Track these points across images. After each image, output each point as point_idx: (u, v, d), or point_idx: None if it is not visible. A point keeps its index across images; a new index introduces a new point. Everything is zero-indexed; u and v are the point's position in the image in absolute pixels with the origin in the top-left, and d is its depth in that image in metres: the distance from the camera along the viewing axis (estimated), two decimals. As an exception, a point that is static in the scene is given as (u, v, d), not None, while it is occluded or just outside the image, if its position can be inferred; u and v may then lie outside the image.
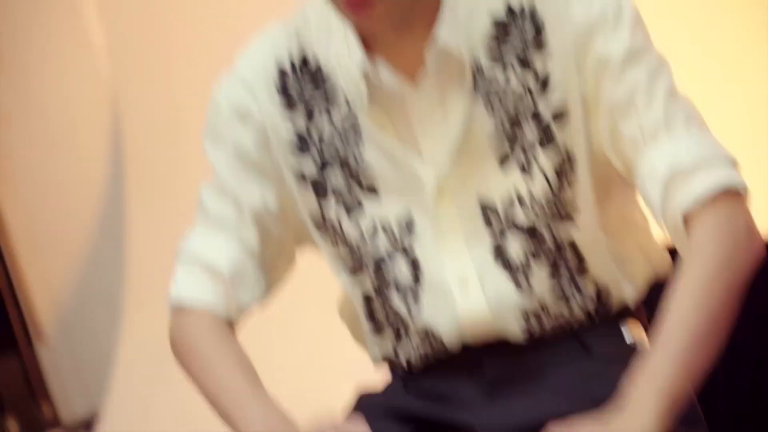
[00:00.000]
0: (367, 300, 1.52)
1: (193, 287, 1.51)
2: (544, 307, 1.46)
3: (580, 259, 1.46)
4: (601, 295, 1.48)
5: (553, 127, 1.42)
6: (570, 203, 1.44)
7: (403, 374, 1.53)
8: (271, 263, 1.55)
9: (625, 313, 1.50)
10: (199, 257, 1.52)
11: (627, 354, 1.41)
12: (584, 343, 1.47)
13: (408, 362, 1.51)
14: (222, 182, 1.51)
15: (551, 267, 1.45)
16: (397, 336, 1.51)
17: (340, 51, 1.44)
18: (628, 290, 1.49)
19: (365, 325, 1.54)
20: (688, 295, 1.28)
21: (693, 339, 1.25)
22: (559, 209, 1.44)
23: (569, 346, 1.48)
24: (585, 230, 1.45)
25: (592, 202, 1.46)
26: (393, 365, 1.55)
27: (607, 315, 1.49)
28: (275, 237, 1.54)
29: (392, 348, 1.52)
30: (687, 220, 1.34)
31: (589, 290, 1.47)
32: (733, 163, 1.37)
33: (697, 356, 1.25)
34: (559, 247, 1.45)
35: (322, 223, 1.50)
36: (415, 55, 1.41)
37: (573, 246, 1.46)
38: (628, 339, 1.49)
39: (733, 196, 1.34)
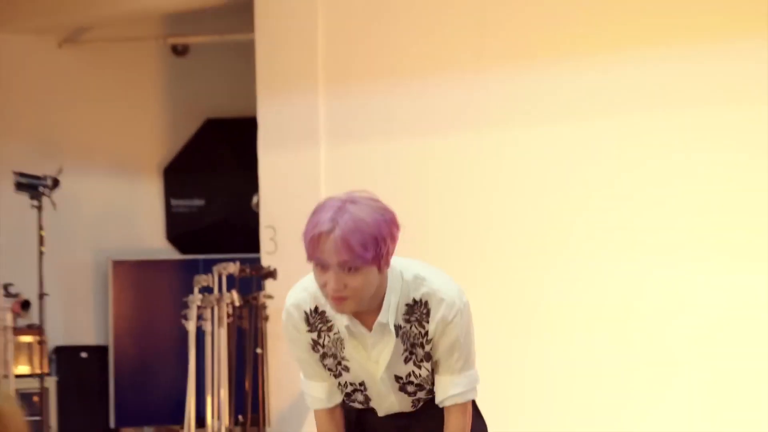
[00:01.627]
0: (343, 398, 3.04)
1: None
2: (420, 401, 3.00)
3: (430, 391, 2.97)
4: (433, 396, 2.98)
5: (430, 352, 2.90)
6: (429, 379, 2.95)
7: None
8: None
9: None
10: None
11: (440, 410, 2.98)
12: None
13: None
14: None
15: (424, 392, 2.98)
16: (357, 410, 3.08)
17: (336, 315, 2.86)
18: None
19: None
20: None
21: None
22: (427, 380, 2.95)
23: (427, 407, 3.02)
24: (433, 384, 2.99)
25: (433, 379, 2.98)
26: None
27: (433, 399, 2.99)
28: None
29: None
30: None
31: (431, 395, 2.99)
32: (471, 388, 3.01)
33: None
34: (426, 389, 2.97)
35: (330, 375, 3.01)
36: (371, 321, 2.84)
37: (430, 390, 2.97)
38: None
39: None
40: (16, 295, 6.72)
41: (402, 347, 2.92)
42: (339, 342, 2.90)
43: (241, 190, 7.25)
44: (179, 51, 7.98)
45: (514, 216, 5.40)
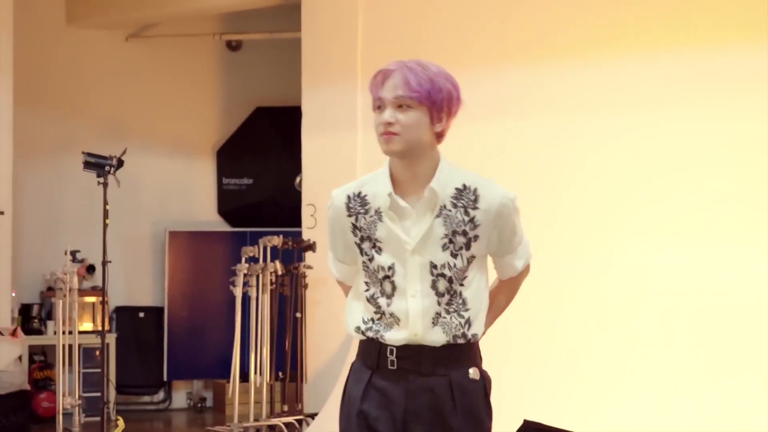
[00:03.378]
0: (367, 299, 2.66)
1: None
2: (441, 322, 2.61)
3: (464, 301, 2.63)
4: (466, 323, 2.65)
5: (471, 242, 2.61)
6: (461, 275, 2.62)
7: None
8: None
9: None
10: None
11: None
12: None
13: (376, 330, 2.64)
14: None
15: (451, 303, 2.62)
16: (378, 315, 2.64)
17: (380, 188, 2.60)
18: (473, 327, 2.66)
19: (366, 306, 2.65)
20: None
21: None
22: (459, 275, 2.62)
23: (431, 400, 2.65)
24: (468, 287, 2.65)
25: (471, 276, 2.65)
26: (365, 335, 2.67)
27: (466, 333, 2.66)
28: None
29: (371, 318, 2.65)
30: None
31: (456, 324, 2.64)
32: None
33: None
34: (454, 295, 2.62)
35: (364, 263, 2.65)
36: (414, 196, 2.58)
37: (461, 294, 2.64)
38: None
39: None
40: (81, 261, 6.72)
41: (442, 231, 2.61)
42: (373, 224, 2.61)
43: (285, 170, 7.24)
44: (233, 46, 7.97)
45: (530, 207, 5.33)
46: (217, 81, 8.06)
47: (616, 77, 5.04)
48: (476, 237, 2.62)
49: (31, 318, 7.20)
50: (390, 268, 2.62)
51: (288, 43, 7.13)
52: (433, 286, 2.62)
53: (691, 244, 4.79)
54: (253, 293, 6.01)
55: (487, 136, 5.45)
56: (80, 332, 6.35)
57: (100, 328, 6.07)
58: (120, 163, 5.74)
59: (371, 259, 2.62)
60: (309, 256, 6.16)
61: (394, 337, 2.63)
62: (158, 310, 7.73)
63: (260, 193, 7.85)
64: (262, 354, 6.06)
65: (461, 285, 2.65)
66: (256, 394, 6.04)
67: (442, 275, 2.62)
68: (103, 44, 7.75)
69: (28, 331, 6.93)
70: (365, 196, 2.62)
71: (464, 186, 2.63)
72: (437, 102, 2.57)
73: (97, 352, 6.79)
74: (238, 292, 5.97)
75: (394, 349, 2.63)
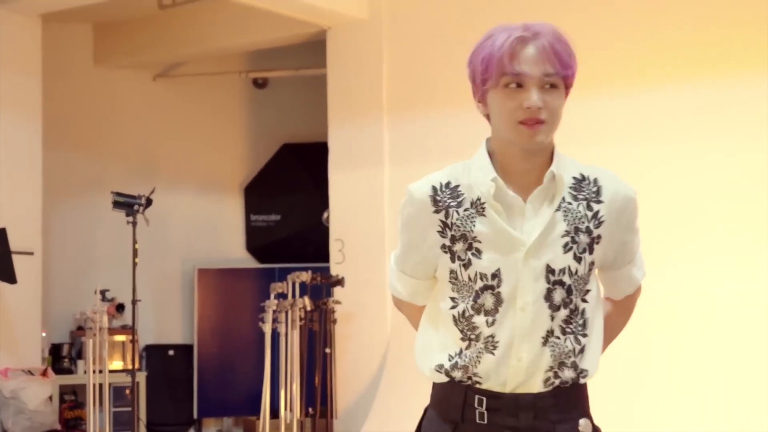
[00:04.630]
0: (455, 318, 2.12)
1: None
2: (554, 334, 2.10)
3: (584, 322, 2.14)
4: (582, 349, 2.13)
5: (594, 243, 2.12)
6: (582, 285, 2.12)
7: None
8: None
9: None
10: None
11: None
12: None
13: (464, 366, 2.10)
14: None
15: (571, 312, 2.11)
16: (468, 341, 2.09)
17: (478, 177, 2.10)
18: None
19: (451, 331, 2.12)
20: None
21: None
22: (581, 284, 2.11)
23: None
24: (590, 304, 2.14)
25: (592, 291, 2.16)
26: (447, 371, 2.13)
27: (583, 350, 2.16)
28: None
29: (459, 349, 2.11)
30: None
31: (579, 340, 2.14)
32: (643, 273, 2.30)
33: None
34: (573, 309, 2.12)
35: (452, 274, 2.12)
36: (525, 188, 2.09)
37: (584, 312, 2.14)
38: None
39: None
40: (111, 300, 6.74)
41: (564, 227, 2.09)
42: (470, 219, 2.08)
43: (313, 206, 7.25)
44: (259, 84, 8.02)
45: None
46: (243, 118, 8.10)
47: (652, 106, 5.06)
48: (599, 238, 2.13)
49: (61, 357, 7.21)
50: (495, 275, 2.07)
51: (313, 79, 7.17)
52: (548, 296, 2.08)
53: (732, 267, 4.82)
54: (282, 329, 6.00)
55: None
56: (110, 371, 6.36)
57: (130, 367, 6.08)
58: (149, 202, 5.77)
59: (466, 265, 2.08)
60: (337, 291, 6.16)
61: (489, 370, 2.07)
62: (188, 348, 7.73)
63: (288, 229, 7.86)
64: (292, 390, 6.04)
65: (583, 300, 2.13)
66: (286, 431, 6.03)
67: (560, 283, 2.08)
68: (131, 84, 7.81)
69: (59, 370, 6.95)
70: (457, 186, 2.11)
71: (582, 176, 2.15)
72: (573, 80, 2.11)
73: (128, 391, 6.79)
74: (267, 328, 5.97)
75: (484, 399, 2.08)
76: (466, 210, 2.09)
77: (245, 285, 7.70)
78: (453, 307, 2.11)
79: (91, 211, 7.49)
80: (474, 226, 2.08)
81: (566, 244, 2.09)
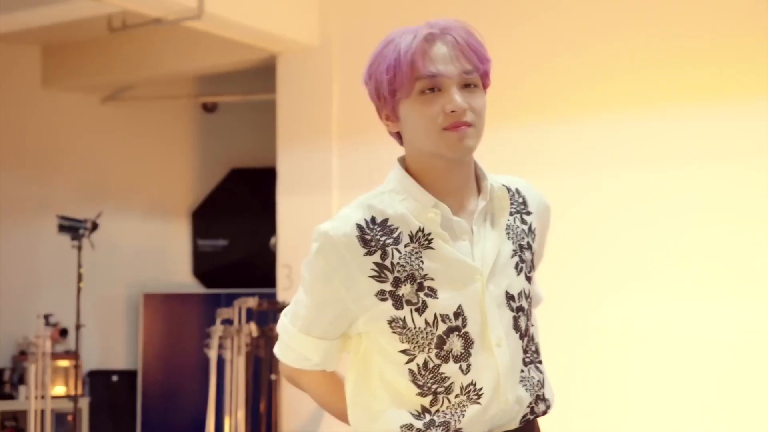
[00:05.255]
0: (413, 372, 1.80)
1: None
2: (528, 379, 1.89)
3: (536, 348, 1.95)
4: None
5: (533, 258, 1.93)
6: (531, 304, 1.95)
7: None
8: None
9: None
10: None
11: None
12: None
13: (444, 422, 1.80)
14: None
15: (528, 340, 1.91)
16: (432, 396, 1.80)
17: (408, 205, 1.82)
18: None
19: (404, 388, 1.81)
20: None
21: None
22: (530, 307, 1.93)
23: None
24: (535, 326, 1.98)
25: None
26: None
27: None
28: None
29: (423, 406, 1.81)
30: None
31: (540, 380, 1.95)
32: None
33: None
34: (530, 333, 1.94)
35: (395, 322, 1.81)
36: (464, 206, 1.85)
37: (533, 337, 1.95)
38: None
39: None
40: (55, 324, 6.66)
41: (510, 247, 1.86)
42: (414, 255, 1.78)
43: (260, 232, 7.23)
44: (209, 108, 8.00)
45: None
46: (192, 143, 8.07)
47: (605, 136, 5.11)
48: (534, 252, 1.95)
49: (2, 383, 7.10)
50: (457, 314, 1.79)
51: (263, 104, 7.17)
52: (515, 325, 1.86)
53: (679, 295, 4.87)
54: (228, 355, 5.97)
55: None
56: (53, 397, 6.28)
57: (73, 393, 6.00)
58: (95, 226, 5.73)
59: (420, 309, 1.78)
60: (284, 317, 6.13)
61: (476, 421, 1.80)
62: (132, 374, 7.65)
63: (235, 254, 7.83)
64: (237, 417, 6.00)
65: (532, 323, 1.93)
66: (230, 458, 5.99)
67: (521, 309, 1.87)
68: (79, 107, 7.75)
69: (0, 396, 6.85)
70: (386, 221, 1.81)
71: (506, 187, 1.92)
72: (489, 83, 1.87)
73: (70, 417, 6.70)
74: (212, 354, 5.93)
75: None
76: (406, 246, 1.79)
77: (191, 310, 7.65)
78: (410, 361, 1.80)
79: (36, 235, 7.41)
80: (422, 263, 1.79)
81: (517, 265, 1.88)
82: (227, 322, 6.02)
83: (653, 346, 4.90)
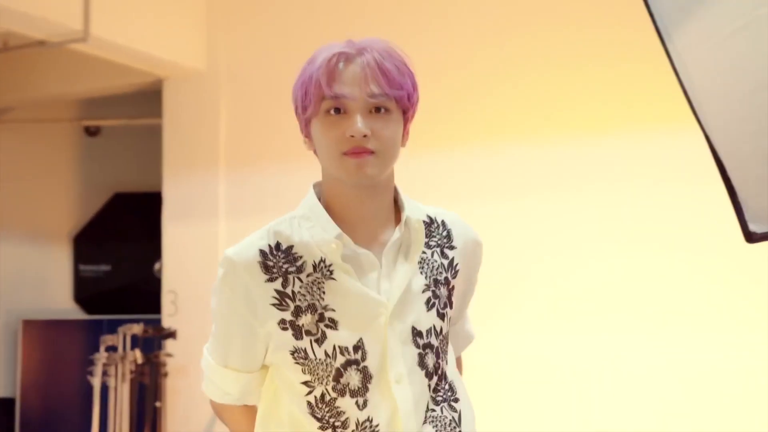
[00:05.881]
0: (311, 404, 1.78)
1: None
2: (429, 406, 1.82)
3: (450, 386, 1.87)
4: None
5: (451, 294, 1.87)
6: (444, 345, 1.87)
7: None
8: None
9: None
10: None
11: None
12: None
13: None
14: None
15: (439, 377, 1.84)
16: (334, 430, 1.76)
17: (314, 233, 1.77)
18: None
19: (306, 421, 1.78)
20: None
21: None
22: (443, 345, 1.86)
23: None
24: (449, 365, 1.90)
25: (449, 350, 1.92)
26: None
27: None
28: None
29: None
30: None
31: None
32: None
33: None
34: (443, 372, 1.86)
35: (297, 353, 1.78)
36: (368, 236, 1.79)
37: (446, 375, 1.88)
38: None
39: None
40: (-71, 351, 6.48)
41: (422, 281, 1.81)
42: (316, 285, 1.75)
43: (144, 257, 7.17)
44: (92, 132, 7.90)
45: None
46: (74, 166, 7.95)
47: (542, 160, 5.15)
48: (454, 289, 1.89)
49: None
50: (357, 347, 1.75)
51: (148, 129, 7.12)
52: (421, 363, 1.80)
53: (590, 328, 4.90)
54: (112, 383, 5.89)
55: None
56: (-73, 426, 6.09)
57: (-52, 422, 5.84)
58: (-28, 251, 5.60)
59: (319, 340, 1.75)
60: (169, 343, 6.09)
61: None
62: (9, 402, 7.47)
63: (118, 280, 7.73)
64: (121, 445, 5.92)
65: (445, 361, 1.87)
66: (113, 487, 5.89)
67: (430, 346, 1.81)
68: (-44, 128, 7.58)
69: None
70: (290, 248, 1.78)
71: (430, 219, 1.89)
72: (414, 103, 1.81)
73: (-56, 447, 6.51)
74: (96, 381, 5.84)
75: None
76: (309, 275, 1.76)
77: (72, 337, 7.51)
78: (309, 393, 1.77)
79: None
80: (323, 293, 1.76)
81: (428, 300, 1.81)
82: (111, 348, 5.94)
83: (580, 377, 4.92)
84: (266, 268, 1.78)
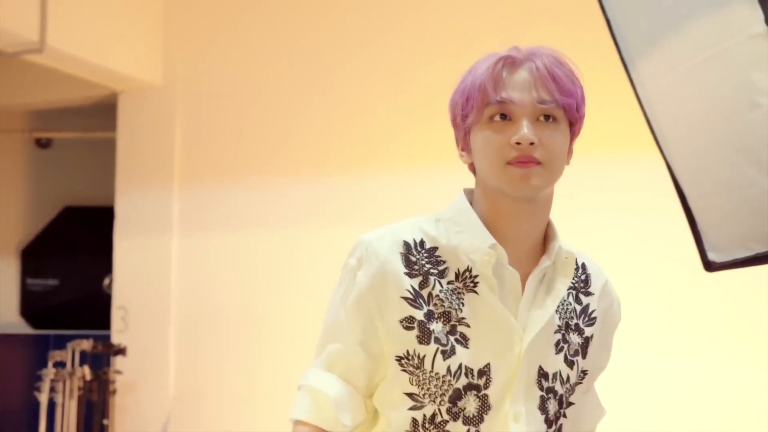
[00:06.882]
0: (417, 422, 1.59)
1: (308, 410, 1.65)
2: None
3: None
4: None
5: (588, 345, 1.71)
6: (569, 395, 1.69)
7: None
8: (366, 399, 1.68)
9: None
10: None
11: None
12: None
13: None
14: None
15: (557, 430, 1.66)
16: None
17: (464, 239, 1.61)
18: None
19: None
20: None
21: None
22: (569, 395, 1.68)
23: None
24: (572, 421, 1.71)
25: (578, 405, 1.73)
26: None
27: None
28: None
29: None
30: None
31: None
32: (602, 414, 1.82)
33: None
34: (559, 424, 1.68)
35: (409, 359, 1.59)
36: (519, 255, 1.62)
37: (561, 427, 1.69)
38: None
39: None
40: None
41: (557, 321, 1.66)
42: (455, 294, 1.59)
43: (94, 272, 7.09)
44: (43, 144, 7.82)
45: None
46: (24, 178, 7.85)
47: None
48: (591, 338, 1.72)
49: None
50: (483, 372, 1.57)
51: (101, 142, 7.05)
52: (542, 407, 1.63)
53: None
54: (59, 399, 5.81)
55: (296, 239, 5.53)
56: None
57: None
58: None
59: (447, 353, 1.56)
60: (119, 360, 6.03)
61: None
62: (-49, 418, 7.35)
63: (66, 294, 7.64)
64: (66, 463, 5.84)
65: (564, 416, 1.68)
66: (57, 506, 5.81)
67: (553, 391, 1.64)
68: None
69: None
70: (435, 249, 1.63)
71: (567, 257, 1.69)
72: (582, 117, 1.66)
73: None
74: (43, 398, 5.76)
75: None
76: (450, 283, 1.60)
77: (19, 352, 7.40)
78: (415, 408, 1.59)
79: None
80: (462, 304, 1.59)
81: (557, 343, 1.65)
82: (60, 364, 5.86)
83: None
84: (407, 262, 1.60)
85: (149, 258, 6.02)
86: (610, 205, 4.88)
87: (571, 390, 1.68)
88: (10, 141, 7.73)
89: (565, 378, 1.65)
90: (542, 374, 1.62)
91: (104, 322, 6.35)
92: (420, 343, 1.57)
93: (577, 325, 1.68)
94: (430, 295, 1.58)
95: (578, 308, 1.69)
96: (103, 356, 6.05)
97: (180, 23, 6.07)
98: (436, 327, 1.57)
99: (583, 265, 1.73)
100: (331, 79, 5.57)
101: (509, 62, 1.61)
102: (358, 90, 5.48)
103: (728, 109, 2.16)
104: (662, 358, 4.70)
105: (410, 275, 1.58)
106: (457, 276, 1.60)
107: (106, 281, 6.50)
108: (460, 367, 1.57)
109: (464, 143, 1.68)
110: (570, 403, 1.68)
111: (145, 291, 6.00)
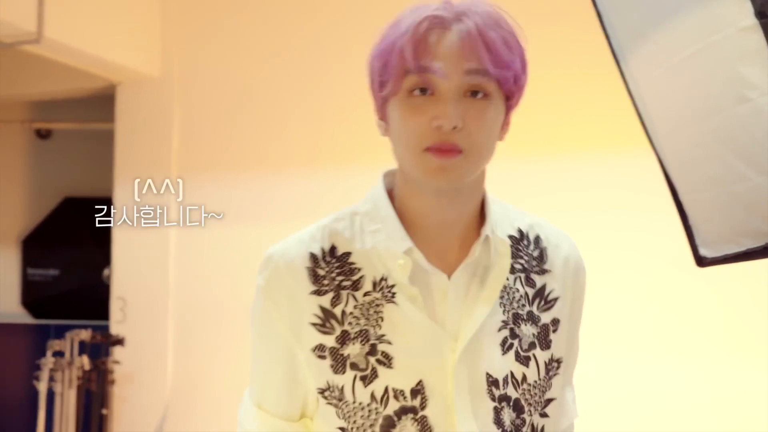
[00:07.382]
0: None
1: None
2: None
3: None
4: None
5: (549, 332, 1.44)
6: (540, 395, 1.43)
7: None
8: None
9: None
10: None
11: None
12: None
13: None
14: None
15: None
16: None
17: (379, 240, 1.39)
18: None
19: None
20: None
21: None
22: (537, 396, 1.42)
23: None
24: (554, 420, 1.45)
25: (558, 399, 1.46)
26: None
27: None
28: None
29: None
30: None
31: None
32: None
33: None
34: (536, 428, 1.42)
35: (330, 390, 1.39)
36: (442, 251, 1.38)
37: (542, 429, 1.43)
38: None
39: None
40: None
41: (500, 318, 1.39)
42: (373, 308, 1.35)
43: (93, 262, 7.09)
44: (43, 134, 7.81)
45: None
46: (24, 169, 7.85)
47: None
48: (555, 324, 1.44)
49: None
50: (416, 392, 1.34)
51: (100, 133, 7.05)
52: (497, 419, 1.35)
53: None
54: (58, 389, 5.82)
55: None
56: None
57: None
58: None
59: (368, 378, 1.35)
60: (117, 350, 6.03)
61: None
62: (-48, 406, 7.37)
63: (66, 284, 7.65)
64: (65, 452, 5.85)
65: (542, 415, 1.41)
66: (57, 495, 5.83)
67: (506, 399, 1.37)
68: None
69: None
70: (347, 255, 1.41)
71: (521, 233, 1.46)
72: (521, 88, 1.37)
73: None
74: (42, 387, 5.77)
75: None
76: (367, 294, 1.37)
77: (18, 341, 7.42)
78: None
79: None
80: (381, 319, 1.37)
81: (504, 341, 1.39)
82: (58, 354, 5.87)
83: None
84: (315, 277, 1.39)
85: (148, 249, 6.01)
86: (603, 202, 4.86)
87: (538, 387, 1.41)
88: (10, 131, 7.73)
89: (520, 379, 1.38)
90: (492, 382, 1.36)
91: (104, 312, 6.35)
92: (335, 372, 1.36)
93: (530, 313, 1.41)
94: (343, 313, 1.36)
95: (530, 292, 1.42)
96: (101, 346, 6.06)
97: (178, 15, 6.06)
98: (353, 350, 1.35)
99: (537, 238, 1.46)
100: (329, 72, 5.56)
101: (436, 22, 1.33)
102: (354, 84, 5.46)
103: (717, 103, 2.14)
104: (654, 356, 4.69)
105: (319, 293, 1.37)
106: (374, 285, 1.37)
107: (106, 272, 6.50)
108: (386, 390, 1.34)
109: (382, 112, 1.44)
110: (547, 400, 1.42)
111: (143, 282, 6.00)
